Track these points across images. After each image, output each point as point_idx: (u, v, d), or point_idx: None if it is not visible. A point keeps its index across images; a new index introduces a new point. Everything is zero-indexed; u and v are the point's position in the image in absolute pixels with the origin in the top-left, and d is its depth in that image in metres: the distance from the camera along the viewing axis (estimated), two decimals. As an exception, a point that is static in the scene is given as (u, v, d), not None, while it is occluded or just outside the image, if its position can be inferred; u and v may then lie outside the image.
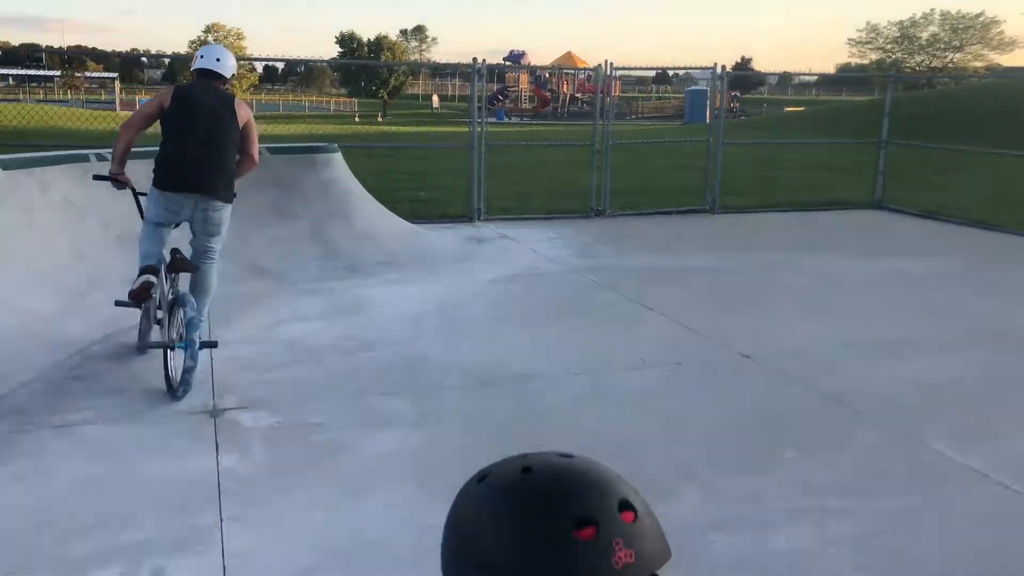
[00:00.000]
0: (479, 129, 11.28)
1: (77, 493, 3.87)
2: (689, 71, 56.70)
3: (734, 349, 6.15)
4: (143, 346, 5.57)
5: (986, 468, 4.36)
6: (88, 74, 53.00)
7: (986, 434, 4.81)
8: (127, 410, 4.78)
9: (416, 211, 11.00)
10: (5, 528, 3.57)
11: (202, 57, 5.54)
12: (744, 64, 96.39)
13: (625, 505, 0.90)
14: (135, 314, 5.52)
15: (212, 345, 5.22)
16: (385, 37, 59.30)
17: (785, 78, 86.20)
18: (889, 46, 61.99)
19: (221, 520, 3.68)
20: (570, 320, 6.95)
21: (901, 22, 61.97)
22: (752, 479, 4.22)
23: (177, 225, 5.46)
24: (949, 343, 6.44)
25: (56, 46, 79.98)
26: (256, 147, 5.67)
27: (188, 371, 4.81)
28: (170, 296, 5.27)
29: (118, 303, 5.41)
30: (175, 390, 4.89)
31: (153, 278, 5.07)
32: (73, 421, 4.60)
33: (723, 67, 12.91)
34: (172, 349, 5.02)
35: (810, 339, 6.44)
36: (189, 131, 5.24)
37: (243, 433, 4.55)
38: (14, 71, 59.25)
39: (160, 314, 5.34)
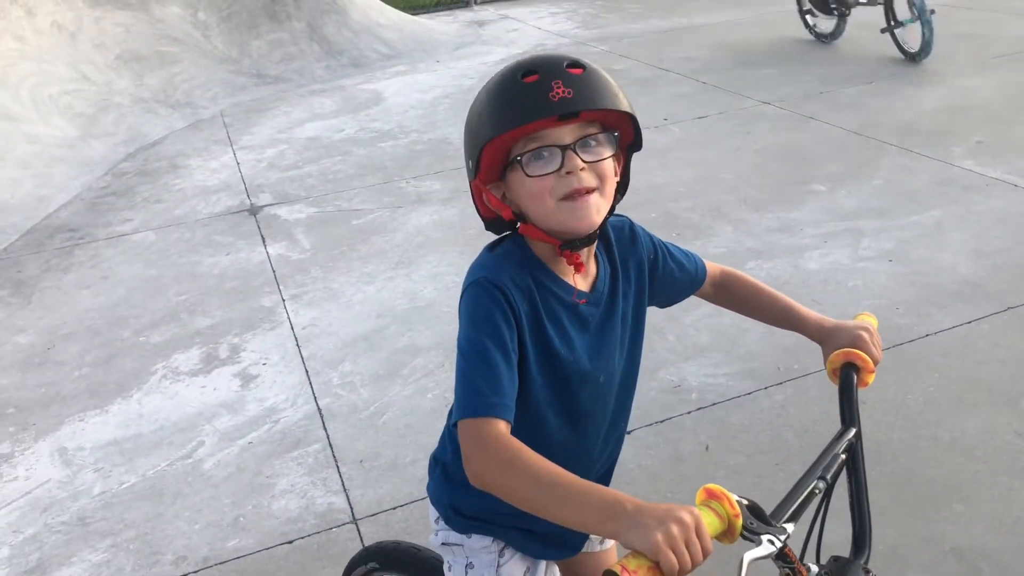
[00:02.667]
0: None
1: (142, 292, 4.06)
2: None
3: (754, 98, 6.10)
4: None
5: (1010, 177, 4.44)
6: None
7: (1012, 148, 4.85)
8: (168, 217, 4.90)
9: (409, 0, 10.57)
10: (85, 327, 3.79)
11: None
12: None
13: (575, 64, 1.15)
14: (157, 131, 5.51)
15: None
16: None
17: None
18: None
19: (283, 300, 3.88)
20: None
21: None
22: (783, 213, 4.34)
23: None
24: (979, 65, 6.33)
25: None
26: None
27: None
28: None
29: None
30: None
31: None
32: (121, 232, 4.74)
33: None
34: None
35: (830, 82, 6.35)
36: None
37: (284, 225, 4.68)
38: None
39: None
